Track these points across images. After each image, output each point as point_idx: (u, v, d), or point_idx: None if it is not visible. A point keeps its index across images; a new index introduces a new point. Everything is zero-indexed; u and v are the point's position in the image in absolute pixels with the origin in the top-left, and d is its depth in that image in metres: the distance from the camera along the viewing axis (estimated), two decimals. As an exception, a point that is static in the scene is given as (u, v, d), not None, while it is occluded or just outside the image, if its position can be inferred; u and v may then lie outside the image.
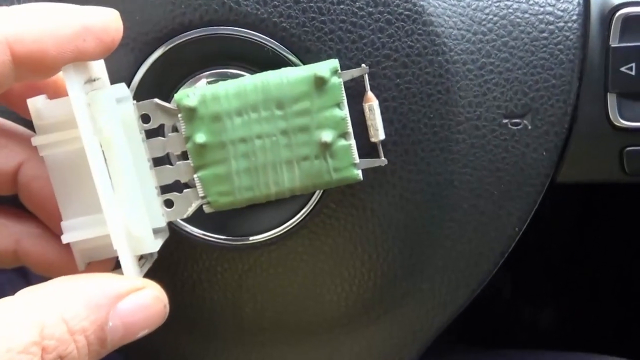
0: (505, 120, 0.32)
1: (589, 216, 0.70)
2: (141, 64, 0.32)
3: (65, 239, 0.29)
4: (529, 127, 0.32)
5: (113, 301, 0.24)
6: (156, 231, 0.29)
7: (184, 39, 0.31)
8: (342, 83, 0.29)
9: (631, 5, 0.32)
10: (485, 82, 0.32)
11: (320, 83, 0.28)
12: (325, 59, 0.30)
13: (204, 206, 0.30)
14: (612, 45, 0.32)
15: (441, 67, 0.31)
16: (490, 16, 0.32)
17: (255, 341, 0.36)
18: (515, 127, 0.32)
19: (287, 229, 0.33)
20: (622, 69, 0.32)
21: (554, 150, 0.32)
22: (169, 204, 0.30)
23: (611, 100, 0.33)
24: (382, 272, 0.33)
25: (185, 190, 0.29)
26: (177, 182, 0.30)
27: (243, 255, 0.33)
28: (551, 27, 0.32)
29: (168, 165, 0.29)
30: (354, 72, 0.30)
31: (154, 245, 0.28)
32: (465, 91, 0.32)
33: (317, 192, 0.32)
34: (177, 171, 0.29)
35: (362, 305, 0.34)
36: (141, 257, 0.30)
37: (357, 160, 0.29)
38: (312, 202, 0.32)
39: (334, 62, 0.29)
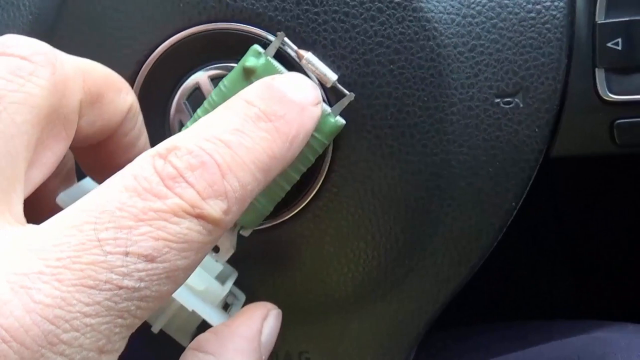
0: (498, 100, 0.33)
1: (601, 189, 0.70)
2: (143, 63, 0.33)
3: (155, 329, 0.30)
4: (521, 105, 0.33)
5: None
6: (220, 276, 0.31)
7: (184, 37, 0.33)
8: (270, 59, 0.30)
9: (615, -18, 0.33)
10: (476, 64, 0.33)
11: (251, 72, 0.30)
12: (320, 50, 0.31)
13: (241, 232, 0.32)
14: (599, 22, 0.33)
15: (433, 52, 0.32)
16: None
17: None
18: (507, 106, 0.33)
19: (292, 214, 0.34)
20: (609, 44, 0.33)
21: (546, 127, 0.33)
22: (215, 249, 0.31)
23: (599, 75, 0.33)
24: (386, 251, 0.35)
25: None
26: None
27: (253, 241, 0.35)
28: (538, 6, 0.33)
29: None
30: (274, 44, 0.31)
31: (224, 289, 0.31)
32: (457, 73, 0.33)
33: (319, 177, 0.33)
34: None
35: (368, 284, 0.35)
36: (226, 304, 0.32)
37: (328, 110, 0.31)
38: (315, 186, 0.33)
39: (254, 47, 0.30)
